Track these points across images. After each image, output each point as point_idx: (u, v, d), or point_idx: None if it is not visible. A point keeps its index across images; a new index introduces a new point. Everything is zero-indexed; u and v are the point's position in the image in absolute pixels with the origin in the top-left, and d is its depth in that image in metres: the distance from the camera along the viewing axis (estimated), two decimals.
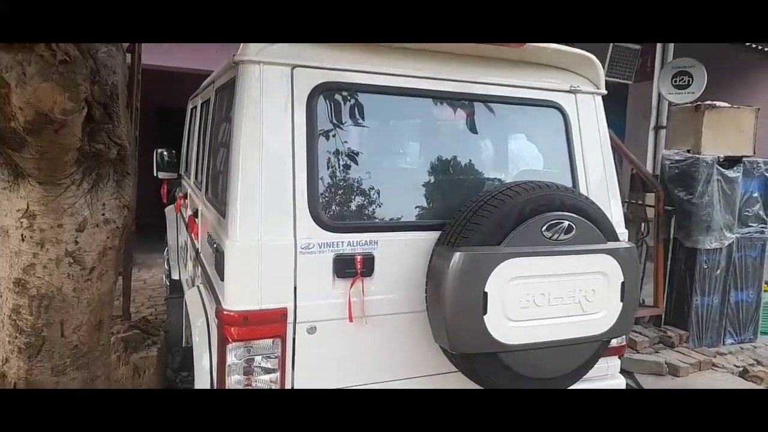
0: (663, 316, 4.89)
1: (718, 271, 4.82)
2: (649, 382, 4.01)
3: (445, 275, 2.08)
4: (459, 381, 2.38)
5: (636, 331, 4.65)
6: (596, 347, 2.37)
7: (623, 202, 5.34)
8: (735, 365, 4.52)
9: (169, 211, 5.53)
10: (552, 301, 2.21)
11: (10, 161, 1.78)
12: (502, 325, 2.13)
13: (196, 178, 3.62)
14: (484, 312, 2.09)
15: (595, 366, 2.74)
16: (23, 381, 2.01)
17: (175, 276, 4.84)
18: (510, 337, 2.15)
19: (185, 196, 4.19)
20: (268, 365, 2.14)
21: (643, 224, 5.11)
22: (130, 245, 4.19)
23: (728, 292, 4.90)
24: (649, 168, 7.24)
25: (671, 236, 4.85)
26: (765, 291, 5.21)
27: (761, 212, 4.96)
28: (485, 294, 2.08)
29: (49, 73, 1.44)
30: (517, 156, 2.92)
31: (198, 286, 3.04)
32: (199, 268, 3.01)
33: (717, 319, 4.88)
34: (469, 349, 2.14)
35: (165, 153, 4.75)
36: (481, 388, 2.29)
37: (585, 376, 2.67)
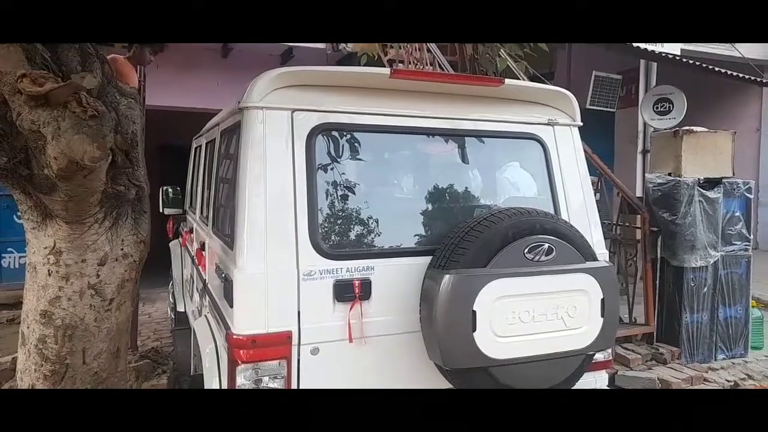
0: (655, 333, 5.03)
1: (706, 289, 4.99)
2: None
3: (436, 296, 2.26)
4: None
5: (629, 349, 4.80)
6: (581, 360, 2.53)
7: (614, 225, 5.57)
8: (726, 380, 4.65)
9: (174, 245, 5.70)
10: (536, 317, 2.38)
11: (40, 203, 1.98)
12: (490, 341, 2.30)
13: (202, 212, 3.82)
14: (474, 329, 2.26)
15: (584, 380, 2.90)
16: None
17: (180, 308, 4.98)
18: (498, 352, 2.32)
19: (191, 231, 4.37)
20: (275, 385, 2.30)
21: (635, 246, 5.30)
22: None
23: (717, 308, 5.05)
24: (638, 191, 7.46)
25: (658, 256, 5.03)
26: (753, 306, 5.37)
27: (743, 230, 5.16)
28: (474, 312, 2.26)
29: (80, 126, 1.65)
30: (502, 185, 3.13)
31: (206, 316, 3.21)
32: (207, 298, 3.18)
33: (707, 335, 5.03)
34: (461, 364, 2.30)
35: (170, 190, 4.97)
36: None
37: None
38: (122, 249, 2.18)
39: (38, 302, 2.10)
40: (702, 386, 4.43)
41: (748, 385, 4.50)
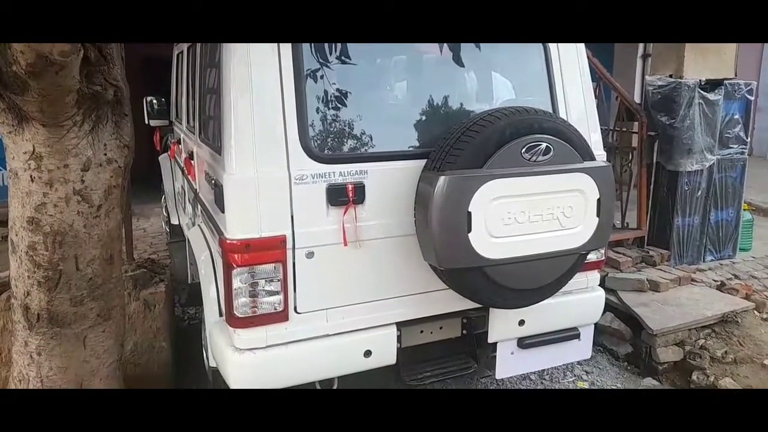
0: (646, 237, 5.09)
1: (699, 193, 4.99)
2: (630, 298, 4.24)
3: (431, 198, 2.23)
4: (448, 298, 2.57)
5: (620, 252, 4.87)
6: (574, 260, 2.55)
7: (611, 131, 5.47)
8: (713, 280, 4.77)
9: (164, 159, 5.61)
10: (532, 218, 2.37)
11: (14, 105, 1.88)
12: (485, 242, 2.29)
13: (188, 122, 3.70)
14: (469, 230, 2.25)
15: (576, 280, 2.96)
16: (45, 312, 2.18)
17: (174, 221, 4.98)
18: (493, 252, 2.32)
19: (179, 142, 4.27)
20: (272, 288, 2.31)
21: (630, 153, 5.24)
22: (129, 192, 4.30)
23: (709, 212, 5.09)
24: (636, 96, 7.29)
25: (654, 161, 4.99)
26: (745, 210, 5.41)
27: (741, 133, 5.09)
28: (469, 213, 2.24)
29: None
30: (499, 87, 3.01)
31: (199, 225, 3.19)
32: (199, 207, 3.15)
33: (698, 238, 5.10)
34: (456, 264, 2.31)
35: (154, 101, 4.79)
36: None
37: (566, 290, 2.89)
38: (105, 154, 2.10)
39: (24, 209, 2.05)
40: (689, 286, 4.54)
41: (734, 283, 4.61)
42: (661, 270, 4.72)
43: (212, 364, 2.66)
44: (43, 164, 1.98)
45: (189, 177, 3.50)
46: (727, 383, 3.60)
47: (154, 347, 3.28)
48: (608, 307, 4.37)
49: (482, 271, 2.34)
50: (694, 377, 3.76)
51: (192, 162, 3.30)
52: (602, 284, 4.48)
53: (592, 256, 2.99)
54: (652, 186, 5.02)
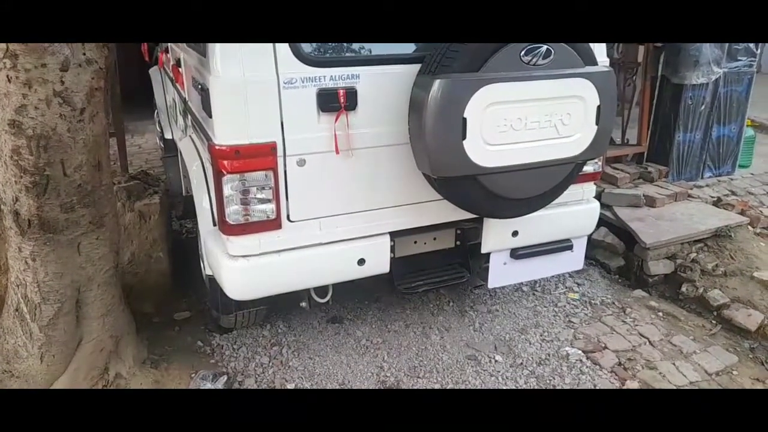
0: (645, 153, 5.03)
1: (703, 107, 4.88)
2: (625, 213, 4.25)
3: (425, 103, 2.15)
4: (442, 208, 2.56)
5: (618, 168, 4.83)
6: (570, 169, 2.52)
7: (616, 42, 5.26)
8: (710, 196, 4.76)
9: (154, 71, 5.43)
10: (529, 125, 2.31)
11: None
12: (480, 149, 2.25)
13: None
14: (464, 137, 2.20)
15: (571, 192, 2.94)
16: (36, 218, 2.16)
17: (167, 135, 4.89)
18: (488, 160, 2.28)
19: (166, 51, 4.10)
20: (263, 196, 2.29)
21: (636, 68, 5.06)
22: (118, 105, 4.20)
23: (711, 127, 4.99)
24: None
25: (659, 74, 4.83)
26: (748, 126, 5.32)
27: (751, 45, 4.90)
28: (464, 120, 2.17)
29: None
30: None
31: (190, 136, 3.13)
32: (189, 116, 3.07)
33: (697, 154, 5.04)
34: (450, 172, 2.27)
35: None
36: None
37: (561, 201, 2.87)
38: (84, 53, 2.00)
39: (4, 111, 1.98)
40: (685, 201, 4.54)
41: (730, 199, 4.61)
42: (658, 186, 4.70)
43: (208, 272, 2.69)
44: (19, 63, 1.90)
45: (178, 86, 3.39)
46: (715, 294, 3.68)
47: (151, 257, 3.31)
48: (603, 222, 4.39)
49: (476, 180, 2.31)
50: (683, 289, 3.84)
51: (180, 69, 3.18)
52: (598, 200, 4.50)
53: (588, 168, 2.96)
54: (655, 101, 4.89)
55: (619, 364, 3.12)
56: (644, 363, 3.13)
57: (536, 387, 2.92)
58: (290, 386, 2.87)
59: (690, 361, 3.16)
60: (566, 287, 3.91)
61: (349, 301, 3.59)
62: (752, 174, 5.38)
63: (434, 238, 2.85)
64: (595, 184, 3.09)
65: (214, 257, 2.45)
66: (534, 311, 3.60)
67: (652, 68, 4.81)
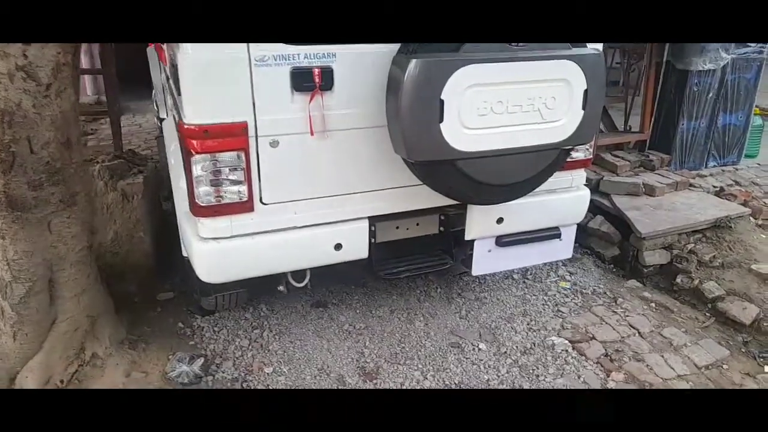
0: (648, 141, 4.90)
1: (710, 94, 4.73)
2: (623, 202, 4.15)
3: (401, 83, 2.08)
4: (425, 193, 2.48)
5: (618, 156, 4.71)
6: (555, 155, 2.43)
7: None
8: (713, 185, 4.64)
9: (150, 51, 5.36)
10: (510, 108, 2.22)
11: None
12: (458, 133, 2.17)
13: None
14: (441, 120, 2.12)
15: (560, 178, 2.85)
16: (3, 194, 2.13)
17: (162, 115, 4.84)
18: (466, 144, 2.20)
19: None
20: (235, 177, 2.23)
21: (642, 53, 4.91)
22: (115, 86, 4.17)
23: (717, 115, 4.85)
24: None
25: (664, 60, 4.68)
26: (755, 114, 5.16)
27: None
28: (442, 101, 2.09)
29: None
30: None
31: (173, 115, 3.07)
32: (169, 94, 3.01)
33: (702, 142, 4.90)
34: (426, 156, 2.20)
35: None
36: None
37: (549, 188, 2.80)
38: None
39: None
40: (686, 191, 4.42)
41: (733, 189, 4.49)
42: (659, 174, 4.58)
43: (184, 253, 2.66)
44: None
45: (161, 63, 3.33)
46: (710, 286, 3.59)
47: (133, 237, 3.29)
48: (599, 210, 4.30)
49: (454, 165, 2.24)
50: (678, 280, 3.76)
51: (162, 47, 3.12)
52: (596, 188, 4.41)
53: (579, 154, 2.87)
54: (659, 87, 4.75)
55: (606, 355, 3.06)
56: (632, 355, 3.06)
57: (518, 376, 2.87)
58: (268, 370, 2.84)
59: (679, 354, 3.09)
60: (558, 276, 3.83)
61: (335, 285, 3.55)
62: (759, 164, 5.23)
63: (417, 224, 2.79)
64: (586, 171, 2.99)
65: (187, 239, 2.41)
66: (523, 299, 3.54)
67: (657, 53, 4.67)
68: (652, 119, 4.84)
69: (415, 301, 3.46)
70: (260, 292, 3.33)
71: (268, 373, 2.83)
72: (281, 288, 2.70)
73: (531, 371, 2.92)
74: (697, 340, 3.22)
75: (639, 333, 3.25)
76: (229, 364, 2.88)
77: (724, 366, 3.04)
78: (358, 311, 3.35)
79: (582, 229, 4.23)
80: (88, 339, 2.69)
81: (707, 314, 3.50)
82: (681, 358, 3.05)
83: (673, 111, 4.73)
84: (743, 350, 3.19)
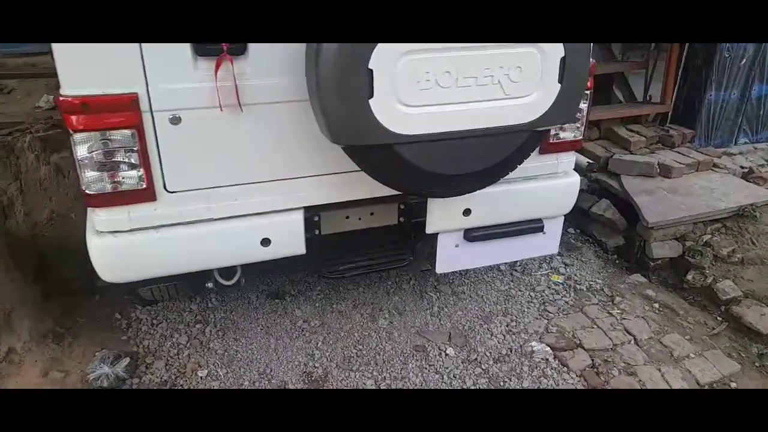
0: (670, 114, 4.34)
1: (743, 61, 4.12)
2: (633, 184, 3.65)
3: (320, 50, 1.66)
4: (360, 181, 2.07)
5: (633, 131, 4.17)
6: (524, 138, 1.98)
7: None
8: (741, 166, 4.08)
9: None
10: (461, 81, 1.78)
11: None
12: (394, 112, 1.75)
13: None
14: (370, 95, 1.69)
15: (543, 163, 2.42)
16: None
17: None
18: (406, 126, 1.78)
19: None
20: (131, 160, 1.87)
21: None
22: None
23: (751, 85, 4.24)
24: None
25: None
26: None
27: None
28: (370, 71, 1.67)
29: None
30: None
31: None
32: None
33: (732, 116, 4.31)
34: (354, 140, 1.79)
35: None
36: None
37: (530, 175, 2.37)
38: None
39: None
40: (708, 172, 3.88)
41: (763, 171, 3.93)
42: (678, 152, 4.04)
43: None
44: None
45: None
46: (726, 286, 3.12)
47: (72, 217, 2.98)
48: (607, 193, 3.82)
49: (393, 150, 1.82)
50: (689, 277, 3.29)
51: None
52: (605, 166, 3.91)
53: (567, 135, 2.42)
54: (685, 53, 4.15)
55: (592, 366, 2.66)
56: (623, 367, 2.65)
57: (487, 388, 2.50)
58: (202, 373, 2.54)
59: (680, 367, 2.66)
60: (551, 268, 3.40)
61: (297, 273, 3.20)
62: None
63: (371, 214, 2.40)
64: (575, 153, 2.53)
65: (87, 233, 2.07)
66: (506, 295, 3.13)
67: None
68: (675, 89, 4.25)
69: (383, 295, 3.09)
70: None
71: (201, 377, 2.53)
72: (209, 284, 2.36)
73: (501, 384, 2.54)
74: (702, 350, 2.78)
75: (635, 340, 2.83)
76: (160, 364, 2.58)
77: (732, 383, 2.61)
78: (317, 305, 3.00)
79: (584, 214, 3.77)
80: (3, 333, 2.42)
81: (718, 319, 3.04)
82: (681, 373, 2.63)
83: (699, 80, 4.14)
84: (757, 365, 2.74)
